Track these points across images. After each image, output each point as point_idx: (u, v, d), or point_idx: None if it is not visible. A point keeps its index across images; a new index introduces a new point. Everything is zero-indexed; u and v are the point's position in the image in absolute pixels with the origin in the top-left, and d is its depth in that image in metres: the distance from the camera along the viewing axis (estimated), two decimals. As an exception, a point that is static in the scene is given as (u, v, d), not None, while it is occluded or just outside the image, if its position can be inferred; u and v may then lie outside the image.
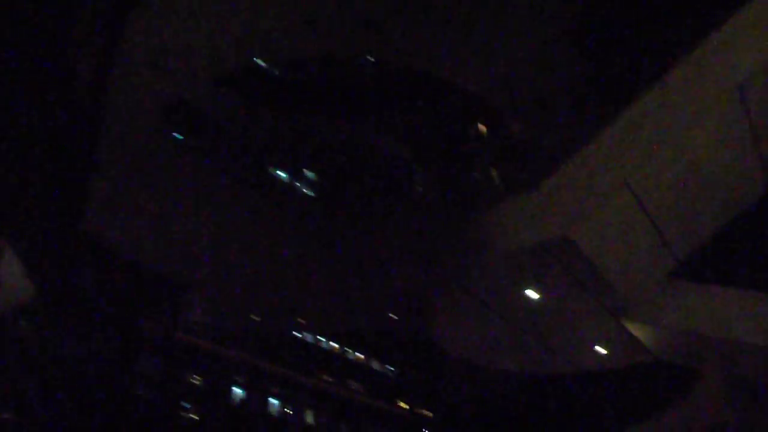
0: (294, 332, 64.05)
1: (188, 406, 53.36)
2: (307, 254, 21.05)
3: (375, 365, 74.59)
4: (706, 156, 8.23)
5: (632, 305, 8.85)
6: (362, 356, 73.69)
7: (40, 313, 19.43)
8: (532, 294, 8.52)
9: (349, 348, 71.96)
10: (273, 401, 60.06)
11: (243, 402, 56.68)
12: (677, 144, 7.76)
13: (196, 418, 52.76)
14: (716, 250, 9.14)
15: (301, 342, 66.38)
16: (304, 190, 24.13)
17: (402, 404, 71.41)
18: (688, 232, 8.63)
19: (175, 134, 19.55)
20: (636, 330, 9.43)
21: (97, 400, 18.43)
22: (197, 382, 54.63)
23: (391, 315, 24.27)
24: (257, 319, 25.24)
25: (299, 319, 24.79)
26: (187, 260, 21.56)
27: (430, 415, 69.45)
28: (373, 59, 21.05)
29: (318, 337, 68.24)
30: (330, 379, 67.19)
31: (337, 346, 70.19)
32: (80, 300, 20.52)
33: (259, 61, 21.37)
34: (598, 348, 10.08)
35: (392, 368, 75.53)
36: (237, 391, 57.23)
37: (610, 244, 7.89)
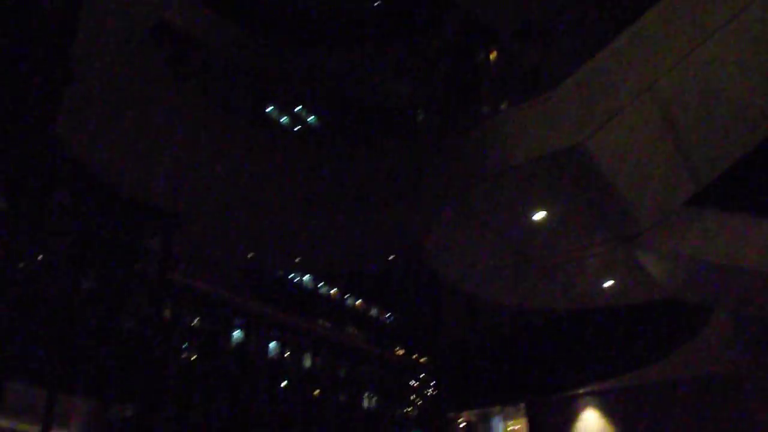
0: (292, 275, 63.89)
1: (185, 346, 53.62)
2: (305, 189, 20.27)
3: (374, 312, 74.81)
4: (738, 75, 7.31)
5: (647, 232, 8.05)
6: (361, 302, 73.83)
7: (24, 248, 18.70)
8: (538, 215, 7.69)
9: (348, 293, 71.96)
10: (272, 344, 60.33)
11: (242, 344, 56.89)
12: (710, 57, 6.82)
13: (194, 359, 53.01)
14: (739, 177, 8.29)
15: (300, 287, 66.31)
16: (302, 123, 23.13)
17: (399, 350, 71.83)
18: (711, 155, 7.74)
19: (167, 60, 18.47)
20: (649, 261, 8.66)
21: (89, 342, 17.74)
22: (196, 324, 54.75)
23: (391, 256, 23.63)
24: (254, 258, 24.14)
25: (297, 259, 23.76)
26: (180, 194, 20.77)
27: (425, 359, 70.00)
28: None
29: (318, 283, 68.17)
30: (328, 324, 67.39)
31: (336, 290, 70.20)
32: (68, 234, 19.73)
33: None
34: (606, 281, 9.30)
35: (390, 315, 75.79)
36: (236, 333, 57.39)
37: (628, 158, 7.03)
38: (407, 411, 51.72)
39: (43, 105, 15.38)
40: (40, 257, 20.13)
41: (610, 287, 9.54)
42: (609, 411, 18.08)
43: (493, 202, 7.56)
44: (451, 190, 7.72)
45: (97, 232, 20.69)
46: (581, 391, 18.35)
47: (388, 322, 74.41)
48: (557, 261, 8.67)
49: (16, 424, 16.63)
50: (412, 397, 49.32)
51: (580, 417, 18.34)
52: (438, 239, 8.68)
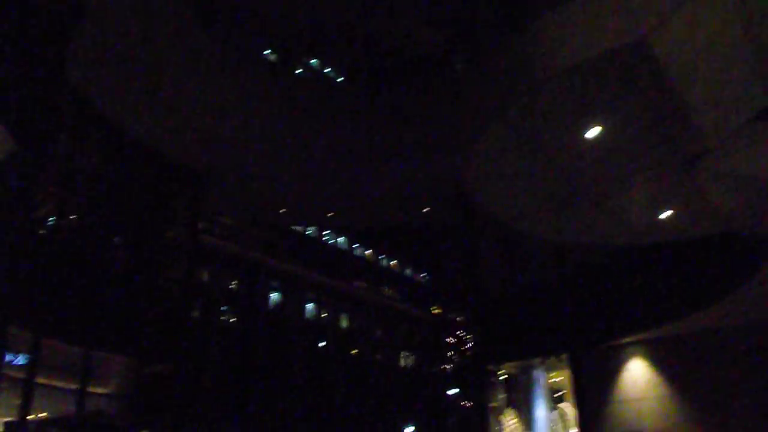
0: (327, 236, 63.58)
1: (225, 309, 53.93)
2: (334, 140, 19.50)
3: (409, 271, 74.37)
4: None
5: (711, 151, 7.12)
6: (396, 262, 73.39)
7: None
8: (591, 132, 6.78)
9: (384, 254, 71.55)
10: (308, 306, 60.41)
11: (279, 306, 57.04)
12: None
13: (233, 321, 53.32)
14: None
15: (336, 248, 66.06)
16: (329, 72, 22.22)
17: (436, 309, 71.45)
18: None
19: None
20: (711, 185, 7.73)
21: (124, 300, 17.40)
22: (233, 286, 54.95)
23: (426, 208, 22.80)
24: (286, 213, 23.48)
25: (330, 214, 23.01)
26: (210, 151, 20.20)
27: (461, 318, 69.57)
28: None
29: (353, 244, 67.82)
30: (365, 285, 67.21)
31: (371, 252, 69.83)
32: (98, 192, 19.34)
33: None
34: (662, 212, 8.38)
35: (426, 275, 75.28)
36: (273, 295, 57.52)
37: (696, 62, 6.07)
38: (445, 368, 51.47)
39: (69, 58, 14.92)
40: (72, 216, 19.88)
41: (665, 219, 8.62)
42: (657, 360, 17.23)
43: (540, 118, 6.69)
44: (492, 109, 6.86)
45: (127, 189, 20.29)
46: (628, 340, 17.51)
47: (423, 281, 73.96)
48: (610, 189, 7.79)
49: (53, 381, 16.48)
50: (449, 354, 48.83)
51: (626, 367, 17.54)
52: (479, 168, 7.83)
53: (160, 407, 17.60)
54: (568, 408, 19.00)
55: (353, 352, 62.25)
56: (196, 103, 18.48)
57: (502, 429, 19.37)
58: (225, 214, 43.45)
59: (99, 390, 17.37)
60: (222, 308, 52.73)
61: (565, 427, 18.73)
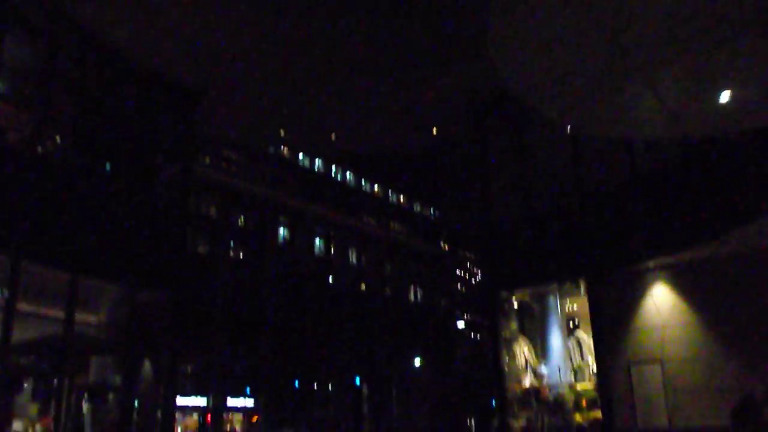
0: (334, 171, 62.04)
1: (232, 244, 53.00)
2: (340, 56, 17.75)
3: (417, 207, 73.08)
4: None
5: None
6: (404, 199, 72.03)
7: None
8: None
9: (392, 191, 70.13)
10: (317, 241, 59.44)
11: (288, 241, 56.12)
12: None
13: (240, 257, 52.49)
14: None
15: (345, 185, 64.65)
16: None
17: (444, 245, 70.41)
18: None
19: None
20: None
21: (113, 225, 16.02)
22: (240, 222, 53.93)
23: (435, 130, 21.15)
24: (286, 136, 21.88)
25: (332, 136, 21.37)
26: (203, 67, 18.50)
27: (472, 256, 68.59)
28: None
29: (361, 179, 66.33)
30: (373, 221, 66.08)
31: (379, 188, 68.40)
32: (86, 112, 17.75)
33: None
34: (724, 91, 6.75)
35: (434, 210, 74.04)
36: (281, 230, 56.54)
37: None
38: (454, 301, 50.55)
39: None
40: (58, 139, 18.43)
41: (725, 103, 6.99)
42: (682, 286, 15.77)
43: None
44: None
45: (116, 108, 18.73)
46: (651, 264, 16.04)
47: (432, 217, 72.75)
48: (664, 55, 6.15)
49: (39, 308, 15.34)
50: (458, 287, 48.01)
51: (648, 293, 16.11)
52: (502, 28, 6.18)
53: (154, 336, 16.51)
54: (585, 336, 17.79)
55: (362, 286, 61.63)
56: (189, 13, 16.75)
57: (515, 358, 18.21)
58: (221, 138, 41.83)
59: (91, 319, 16.27)
60: (230, 243, 51.85)
61: (582, 356, 17.55)
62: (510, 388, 18.25)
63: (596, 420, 16.48)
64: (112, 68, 18.41)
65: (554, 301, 18.34)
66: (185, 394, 45.96)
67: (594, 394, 16.74)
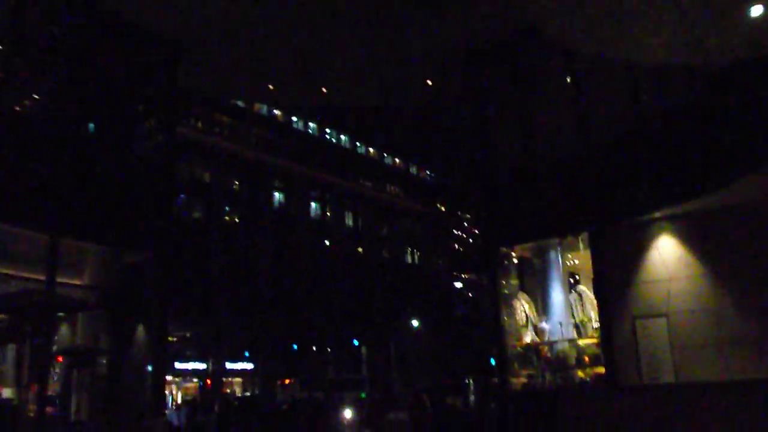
0: (328, 133, 60.85)
1: (228, 209, 52.22)
2: (325, 6, 16.70)
3: (413, 169, 72.18)
4: None
5: None
6: (400, 161, 71.08)
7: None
8: None
9: (388, 154, 69.13)
10: (312, 204, 58.65)
11: (283, 205, 55.35)
12: None
13: (237, 221, 51.75)
14: None
15: (340, 147, 63.60)
16: None
17: (440, 206, 69.73)
18: None
19: None
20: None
21: (95, 185, 15.20)
22: (235, 188, 53.03)
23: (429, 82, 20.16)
24: (275, 91, 20.84)
25: (323, 90, 20.34)
26: (184, 16, 17.43)
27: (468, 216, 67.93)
28: None
29: (356, 142, 65.25)
30: (369, 183, 65.21)
31: (374, 150, 67.38)
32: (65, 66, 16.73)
33: None
34: (755, 6, 5.89)
35: (431, 172, 73.19)
36: (276, 194, 55.69)
37: None
38: (451, 261, 50.02)
39: None
40: (35, 95, 17.48)
41: (755, 18, 6.14)
42: (690, 237, 15.05)
43: None
44: None
45: (96, 64, 17.71)
46: (656, 215, 15.30)
47: (428, 178, 71.89)
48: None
49: (19, 272, 14.59)
50: (456, 247, 47.34)
51: (653, 245, 15.39)
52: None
53: (138, 298, 15.82)
54: (587, 291, 17.15)
55: (359, 249, 61.08)
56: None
57: (515, 315, 17.59)
58: (209, 97, 40.64)
59: (75, 281, 15.54)
60: (224, 207, 51.05)
61: (584, 311, 16.92)
62: (510, 345, 17.68)
63: (599, 376, 15.94)
64: (89, 19, 17.34)
65: (555, 256, 17.63)
66: (185, 359, 45.77)
67: (597, 349, 16.16)
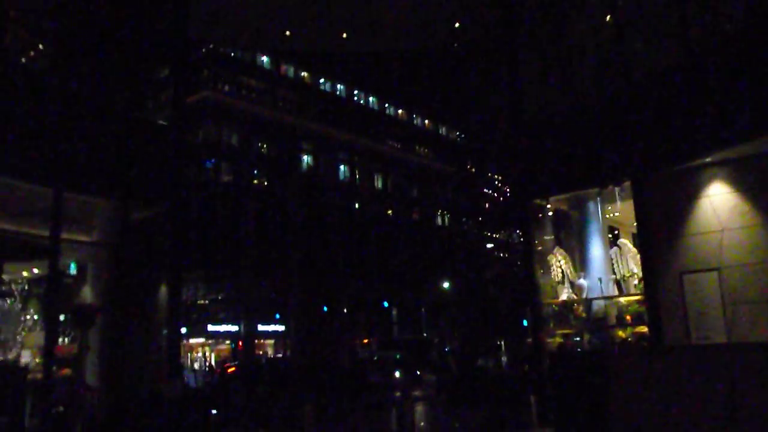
0: (356, 93, 59.22)
1: (255, 172, 51.35)
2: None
3: (442, 130, 70.39)
4: None
5: None
6: (429, 122, 69.32)
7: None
8: None
9: (416, 115, 67.41)
10: (341, 167, 57.47)
11: (310, 168, 54.30)
12: None
13: (266, 184, 50.91)
14: None
15: (368, 109, 62.09)
16: None
17: (470, 168, 67.95)
18: None
19: None
20: None
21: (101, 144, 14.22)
22: (263, 150, 52.05)
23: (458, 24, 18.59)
24: (290, 39, 19.45)
25: (344, 35, 18.86)
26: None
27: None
28: None
29: (384, 104, 63.62)
30: (397, 145, 63.71)
31: (402, 112, 65.70)
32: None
33: None
34: None
35: (460, 134, 71.32)
36: (304, 157, 54.62)
37: None
38: (482, 221, 48.38)
39: None
40: (41, 46, 16.48)
41: None
42: (746, 184, 13.43)
43: None
44: None
45: (104, 14, 16.61)
46: (707, 160, 13.73)
47: (458, 139, 70.05)
48: None
49: (24, 228, 13.74)
50: (486, 206, 45.74)
51: (704, 193, 13.83)
52: None
53: (150, 256, 14.90)
54: (629, 244, 15.74)
55: (388, 211, 59.90)
56: None
57: (550, 272, 16.28)
58: (217, 42, 39.32)
59: (82, 238, 14.66)
60: (254, 171, 50.24)
61: (626, 266, 15.54)
62: (545, 304, 16.41)
63: (642, 335, 14.62)
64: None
65: (595, 207, 16.18)
66: (218, 322, 45.57)
67: (639, 307, 14.80)
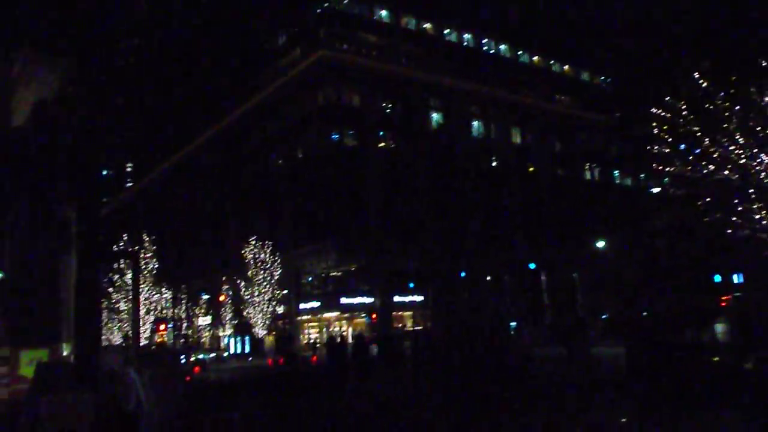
0: (485, 43, 53.08)
1: (382, 133, 47.39)
2: None
3: (585, 76, 62.54)
4: None
5: None
6: (570, 68, 61.75)
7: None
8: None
9: (555, 61, 60.21)
10: (474, 123, 52.08)
11: (440, 126, 49.46)
12: None
13: (392, 146, 46.83)
14: None
15: (499, 57, 55.97)
16: None
17: (619, 113, 59.74)
18: None
19: None
20: None
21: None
22: (388, 110, 47.92)
23: None
24: None
25: None
26: None
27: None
28: None
29: (517, 51, 57.12)
30: (535, 95, 56.98)
31: (539, 59, 58.81)
32: None
33: None
34: None
35: (606, 79, 63.07)
36: (434, 115, 49.88)
37: None
38: (639, 173, 41.05)
39: None
40: None
41: None
42: None
43: None
44: None
45: None
46: None
47: (604, 84, 61.86)
48: None
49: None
50: (642, 157, 38.40)
51: None
52: None
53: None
54: None
55: (530, 168, 53.66)
56: None
57: None
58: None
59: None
60: (379, 132, 46.30)
61: None
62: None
63: None
64: None
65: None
66: (352, 294, 42.37)
67: None
